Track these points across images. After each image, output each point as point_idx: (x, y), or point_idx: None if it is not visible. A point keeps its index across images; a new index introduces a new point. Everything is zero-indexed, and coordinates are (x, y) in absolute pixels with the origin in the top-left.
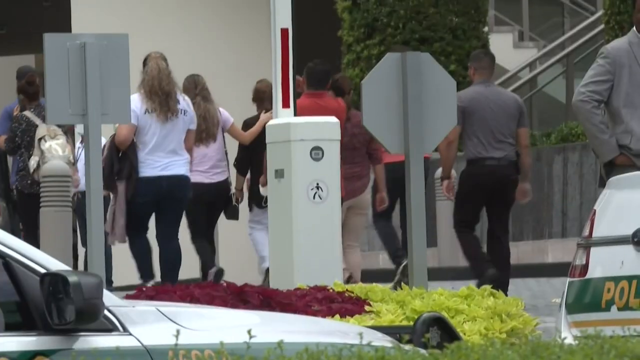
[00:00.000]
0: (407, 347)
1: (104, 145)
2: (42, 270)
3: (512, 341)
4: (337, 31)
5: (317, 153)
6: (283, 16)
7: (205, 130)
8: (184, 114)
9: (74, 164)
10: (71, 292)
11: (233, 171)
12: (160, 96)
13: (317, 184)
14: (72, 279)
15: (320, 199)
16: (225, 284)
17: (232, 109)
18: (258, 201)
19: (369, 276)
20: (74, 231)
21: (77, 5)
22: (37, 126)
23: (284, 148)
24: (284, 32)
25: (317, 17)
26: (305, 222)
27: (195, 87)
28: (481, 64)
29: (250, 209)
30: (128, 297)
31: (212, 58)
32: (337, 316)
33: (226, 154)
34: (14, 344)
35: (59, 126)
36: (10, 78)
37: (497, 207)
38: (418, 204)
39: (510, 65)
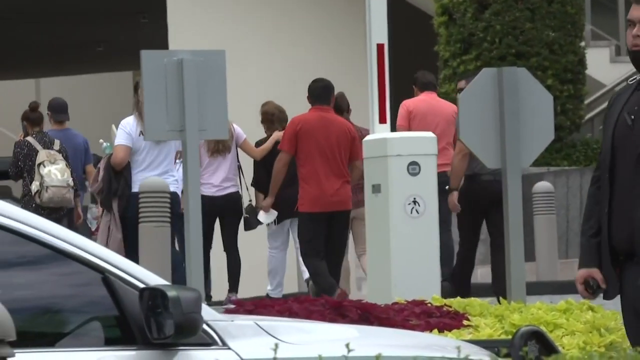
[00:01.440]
0: None
1: (99, 167)
2: (141, 285)
3: (610, 355)
4: (434, 46)
5: (414, 168)
6: (379, 31)
7: (221, 142)
8: None
9: (74, 189)
10: (170, 307)
11: (247, 185)
12: None
13: (414, 198)
14: (171, 293)
15: (418, 213)
16: (323, 299)
17: None
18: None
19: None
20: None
21: (174, 22)
22: (37, 152)
23: (381, 163)
24: (380, 47)
25: (414, 32)
26: (403, 237)
27: None
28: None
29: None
30: (227, 311)
31: (305, 74)
32: (435, 330)
33: (239, 168)
34: (114, 358)
35: (58, 151)
36: (109, 95)
37: (497, 220)
38: (515, 219)
39: (607, 79)
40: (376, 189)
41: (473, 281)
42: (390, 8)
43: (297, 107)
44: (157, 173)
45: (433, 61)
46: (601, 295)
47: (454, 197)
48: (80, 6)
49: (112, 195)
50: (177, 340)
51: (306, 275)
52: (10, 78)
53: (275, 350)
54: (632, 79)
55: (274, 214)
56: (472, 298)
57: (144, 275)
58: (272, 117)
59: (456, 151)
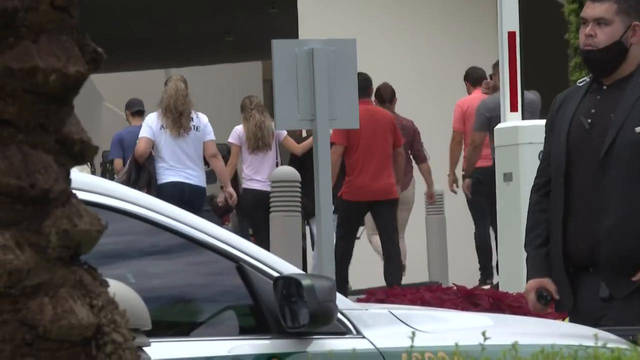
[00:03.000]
0: None
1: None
2: (276, 274)
3: None
4: (564, 34)
5: None
6: (510, 19)
7: (260, 139)
8: (197, 129)
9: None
10: (305, 296)
11: None
12: (174, 114)
13: None
14: (305, 282)
15: None
16: (455, 287)
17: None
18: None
19: None
20: (303, 236)
21: (304, 11)
22: None
23: (512, 151)
24: (512, 35)
25: (544, 20)
26: None
27: (251, 104)
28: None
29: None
30: (359, 300)
31: (436, 63)
32: (567, 319)
33: (277, 165)
34: (249, 347)
35: None
36: (237, 85)
37: None
38: None
39: None
40: (507, 177)
41: None
42: None
43: (423, 97)
44: (178, 166)
45: (563, 49)
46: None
47: (467, 183)
48: None
49: (132, 186)
50: (311, 329)
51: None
52: (140, 69)
53: (412, 338)
54: (581, 80)
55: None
56: None
57: (278, 264)
58: None
59: (469, 142)
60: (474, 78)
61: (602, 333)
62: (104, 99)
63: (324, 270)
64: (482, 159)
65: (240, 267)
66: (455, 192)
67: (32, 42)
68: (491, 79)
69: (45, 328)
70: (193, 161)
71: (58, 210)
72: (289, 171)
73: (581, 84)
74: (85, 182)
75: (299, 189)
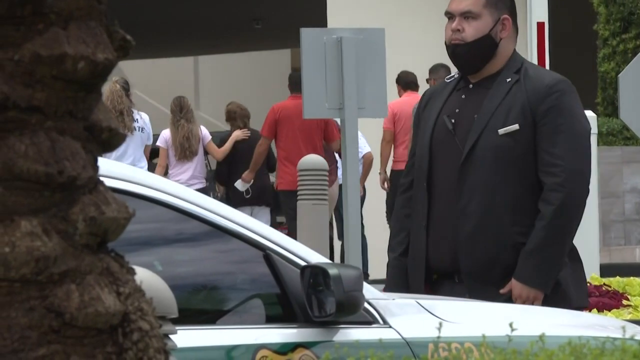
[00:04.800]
0: None
1: None
2: (302, 263)
3: None
4: (593, 25)
5: None
6: (539, 10)
7: (188, 149)
8: (141, 130)
9: None
10: (332, 285)
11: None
12: (115, 114)
13: None
14: (332, 271)
15: None
16: None
17: None
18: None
19: (626, 270)
20: (330, 224)
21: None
22: None
23: None
24: (541, 25)
25: (573, 11)
26: None
27: (180, 111)
28: (438, 74)
29: None
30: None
31: None
32: (595, 310)
33: (207, 165)
34: (275, 335)
35: None
36: (266, 72)
37: None
38: None
39: None
40: None
41: (631, 261)
42: None
43: None
44: (128, 162)
45: (592, 40)
46: None
47: (383, 178)
48: None
49: None
50: (338, 319)
51: None
52: (169, 56)
53: (439, 328)
54: (449, 77)
55: (246, 185)
56: (632, 277)
57: (305, 253)
58: (234, 114)
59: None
60: (404, 82)
61: (630, 325)
62: (132, 86)
63: (350, 260)
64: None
65: (268, 255)
66: (385, 190)
67: (61, 29)
68: (427, 82)
69: (72, 315)
70: (138, 161)
71: (85, 197)
72: (317, 159)
73: (449, 80)
74: (112, 169)
75: (326, 177)
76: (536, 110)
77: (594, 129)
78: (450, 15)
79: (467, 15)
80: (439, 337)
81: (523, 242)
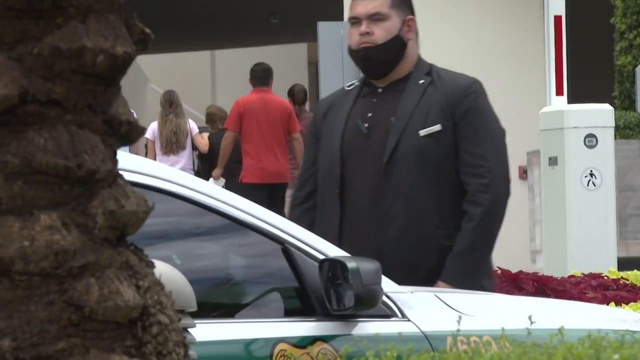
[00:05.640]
0: None
1: None
2: (321, 257)
3: None
4: (610, 18)
5: (590, 140)
6: (557, 3)
7: (176, 143)
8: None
9: None
10: (350, 278)
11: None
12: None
13: (591, 171)
14: (350, 264)
15: (595, 186)
16: (499, 271)
17: (506, 101)
18: None
19: None
20: None
21: None
22: None
23: (558, 135)
24: (558, 19)
25: (590, 4)
26: (579, 209)
27: (170, 106)
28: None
29: None
30: None
31: (478, 48)
32: (612, 303)
33: (194, 162)
34: (294, 329)
35: None
36: (283, 67)
37: None
38: None
39: None
40: (553, 161)
41: None
42: None
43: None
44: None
45: (609, 33)
46: None
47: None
48: None
49: None
50: (356, 312)
51: None
52: (186, 50)
53: (458, 322)
54: (349, 84)
55: (222, 181)
56: None
57: (323, 246)
58: (214, 117)
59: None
60: (255, 78)
61: None
62: (149, 80)
63: None
64: None
65: (286, 249)
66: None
67: (81, 22)
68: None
69: (91, 309)
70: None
71: (105, 191)
72: None
73: (349, 88)
74: (131, 163)
75: None
76: (455, 111)
77: (611, 123)
78: (355, 20)
79: (375, 18)
80: (458, 331)
81: (447, 244)
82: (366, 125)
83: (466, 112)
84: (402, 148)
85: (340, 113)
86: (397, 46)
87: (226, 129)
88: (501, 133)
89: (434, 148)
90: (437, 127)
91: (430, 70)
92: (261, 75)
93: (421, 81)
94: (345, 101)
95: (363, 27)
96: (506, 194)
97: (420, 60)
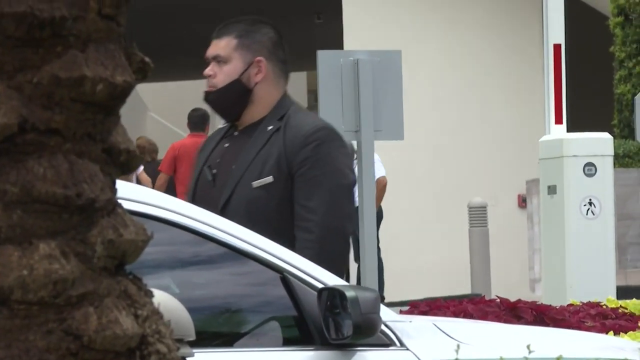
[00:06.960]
0: None
1: None
2: (319, 285)
3: None
4: (610, 47)
5: (590, 169)
6: (556, 32)
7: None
8: None
9: None
10: (349, 307)
11: None
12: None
13: (590, 199)
14: (349, 293)
15: (593, 214)
16: (498, 300)
17: (506, 129)
18: None
19: None
20: None
21: (350, 22)
22: None
23: (557, 164)
24: (557, 47)
25: (590, 32)
26: (578, 238)
27: None
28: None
29: None
30: (402, 312)
31: (478, 77)
32: (611, 332)
33: None
34: (292, 358)
35: None
36: None
37: None
38: None
39: None
40: (552, 190)
41: None
42: (566, 9)
43: (467, 113)
44: None
45: (608, 62)
46: None
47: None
48: (255, 6)
49: None
50: (355, 341)
51: None
52: (184, 78)
53: (457, 351)
54: (224, 123)
55: None
56: None
57: (322, 275)
58: (143, 149)
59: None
60: (192, 122)
61: None
62: (148, 109)
63: (366, 282)
64: None
65: (285, 277)
66: None
67: (80, 51)
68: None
69: (90, 338)
70: None
71: (104, 219)
72: None
73: (221, 127)
74: (130, 191)
75: None
76: (292, 162)
77: (610, 151)
78: (207, 61)
79: (218, 59)
80: None
81: None
82: (214, 171)
83: (302, 162)
84: (235, 199)
85: (202, 154)
86: (238, 90)
87: (160, 171)
88: (341, 184)
89: (265, 200)
90: (268, 179)
91: (284, 114)
92: (197, 121)
93: (269, 127)
94: (212, 141)
95: (207, 70)
96: (336, 249)
97: (281, 102)
